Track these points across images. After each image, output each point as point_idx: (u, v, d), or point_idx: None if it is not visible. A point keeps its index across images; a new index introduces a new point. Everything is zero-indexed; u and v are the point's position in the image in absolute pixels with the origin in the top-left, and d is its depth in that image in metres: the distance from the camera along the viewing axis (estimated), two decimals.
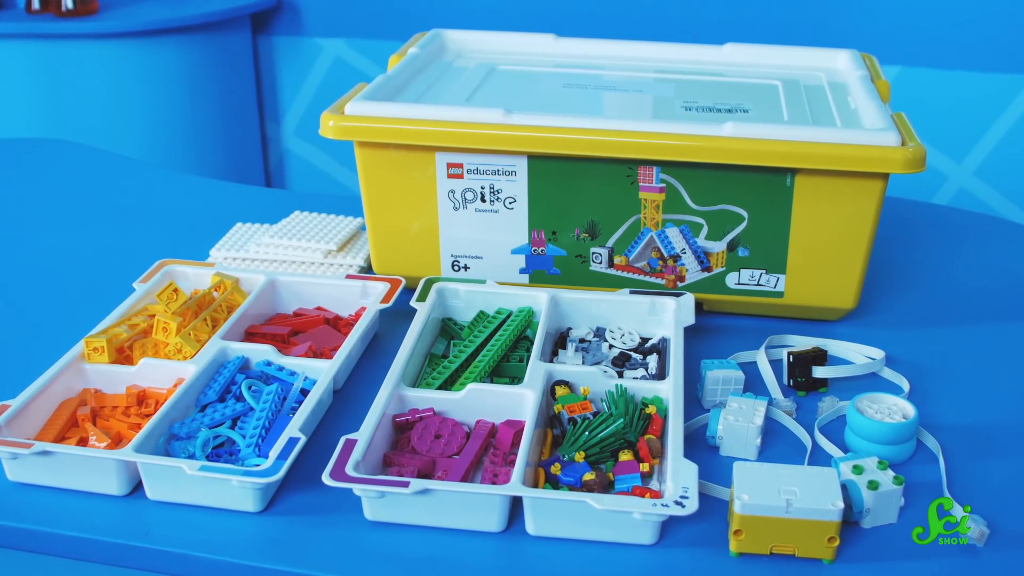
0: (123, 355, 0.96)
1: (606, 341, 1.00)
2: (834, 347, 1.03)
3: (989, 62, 2.37)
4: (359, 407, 0.90)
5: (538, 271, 1.09)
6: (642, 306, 1.02)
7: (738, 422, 0.87)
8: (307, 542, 0.77)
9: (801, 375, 0.96)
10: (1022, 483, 0.84)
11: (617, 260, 1.07)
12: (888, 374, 1.00)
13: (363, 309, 1.05)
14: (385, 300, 1.03)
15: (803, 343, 1.02)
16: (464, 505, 0.77)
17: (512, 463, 0.81)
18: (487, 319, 1.01)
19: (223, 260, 1.18)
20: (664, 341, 1.00)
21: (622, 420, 0.85)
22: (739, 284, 1.07)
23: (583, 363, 0.97)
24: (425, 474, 0.83)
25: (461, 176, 1.05)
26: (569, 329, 1.03)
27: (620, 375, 0.95)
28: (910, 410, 0.87)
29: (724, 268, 1.06)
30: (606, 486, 0.81)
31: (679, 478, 0.76)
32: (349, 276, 1.07)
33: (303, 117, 2.92)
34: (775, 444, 0.89)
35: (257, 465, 0.81)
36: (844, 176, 0.99)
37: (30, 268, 1.22)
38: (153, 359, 0.93)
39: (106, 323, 0.98)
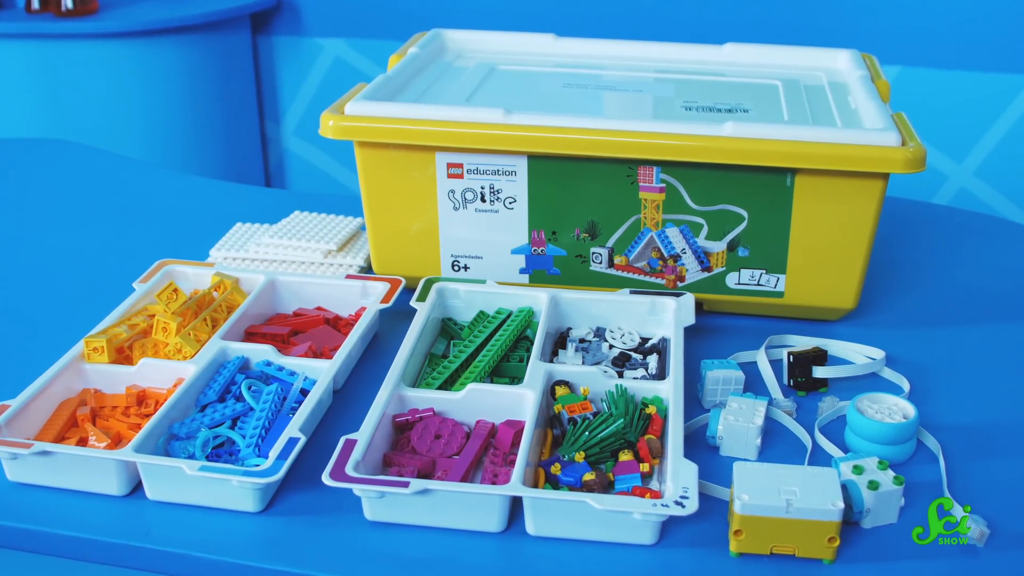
0: (123, 355, 0.96)
1: (606, 341, 1.00)
2: (834, 347, 1.03)
3: (989, 62, 2.37)
4: (359, 407, 0.90)
5: (538, 271, 1.09)
6: (642, 306, 1.02)
7: (738, 422, 0.86)
8: (307, 542, 0.77)
9: (801, 375, 0.96)
10: (1022, 483, 0.84)
11: (617, 260, 1.07)
12: (888, 374, 1.00)
13: (363, 309, 1.05)
14: (385, 300, 1.03)
15: (803, 343, 1.02)
16: (464, 505, 0.77)
17: (512, 463, 0.81)
18: (487, 319, 1.01)
19: (223, 260, 1.18)
20: (664, 341, 1.00)
21: (622, 420, 0.85)
22: (739, 284, 1.07)
23: (583, 363, 0.97)
24: (425, 474, 0.83)
25: (461, 176, 1.05)
26: (569, 329, 1.03)
27: (620, 375, 0.95)
28: (910, 410, 0.87)
29: (724, 268, 1.06)
30: (606, 486, 0.81)
31: (679, 478, 0.76)
32: (349, 276, 1.07)
33: (303, 117, 2.92)
34: (775, 444, 0.89)
35: (257, 465, 0.81)
36: (844, 176, 0.99)
37: (30, 268, 1.22)
38: (153, 359, 0.93)
39: (106, 323, 0.98)
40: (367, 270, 1.17)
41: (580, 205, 1.05)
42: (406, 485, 0.75)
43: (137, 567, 0.78)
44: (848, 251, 1.03)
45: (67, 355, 0.92)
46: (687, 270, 1.07)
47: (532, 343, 0.99)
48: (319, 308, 1.07)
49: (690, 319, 0.99)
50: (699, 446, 0.88)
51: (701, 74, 1.25)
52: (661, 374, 0.95)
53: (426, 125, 1.02)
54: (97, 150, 1.65)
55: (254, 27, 2.84)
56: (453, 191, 1.06)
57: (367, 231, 1.10)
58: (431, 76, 1.21)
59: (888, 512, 0.78)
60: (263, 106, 2.94)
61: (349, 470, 0.77)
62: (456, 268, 1.10)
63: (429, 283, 1.04)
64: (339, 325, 1.05)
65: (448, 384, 0.93)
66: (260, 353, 0.95)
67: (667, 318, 1.01)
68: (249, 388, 0.91)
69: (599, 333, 1.02)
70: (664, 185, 1.02)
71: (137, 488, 0.82)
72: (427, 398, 0.89)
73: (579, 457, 0.83)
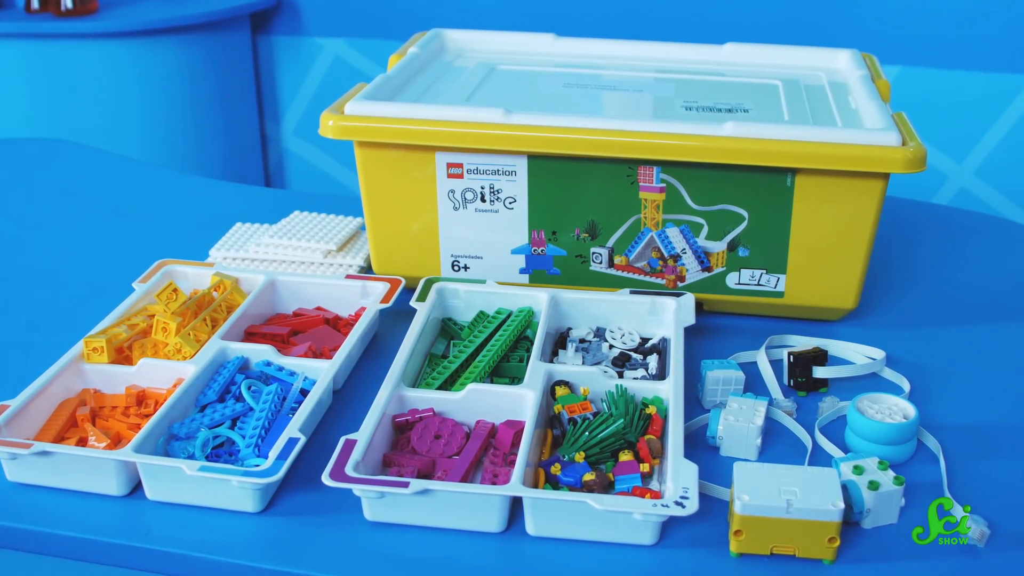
0: (122, 355, 0.96)
1: (606, 341, 1.00)
2: (834, 347, 1.03)
3: (990, 62, 2.37)
4: (359, 407, 0.90)
5: (538, 271, 1.09)
6: (642, 306, 1.02)
7: (738, 422, 0.86)
8: (307, 542, 0.77)
9: (801, 375, 0.96)
10: (1022, 483, 0.84)
11: (617, 260, 1.07)
12: (888, 374, 0.99)
13: (363, 309, 1.05)
14: (385, 300, 1.02)
15: (803, 343, 1.02)
16: (464, 505, 0.77)
17: (512, 463, 0.81)
18: (487, 319, 1.01)
19: (223, 260, 1.18)
20: (664, 341, 1.00)
21: (622, 420, 0.85)
22: (739, 284, 1.07)
23: (583, 363, 0.97)
24: (425, 474, 0.83)
25: (461, 176, 1.05)
26: (569, 329, 1.03)
27: (620, 375, 0.95)
28: (910, 410, 0.87)
29: (724, 268, 1.06)
30: (606, 486, 0.81)
31: (679, 478, 0.76)
32: (349, 276, 1.07)
33: (303, 117, 2.92)
34: (775, 444, 0.89)
35: (257, 465, 0.81)
36: (845, 176, 0.99)
37: (30, 268, 1.22)
38: (153, 359, 0.93)
39: (106, 323, 0.98)
40: (367, 270, 1.17)
41: (580, 205, 1.05)
42: (406, 485, 0.75)
43: (137, 567, 0.78)
44: (848, 251, 1.03)
45: (67, 355, 0.92)
46: (687, 270, 1.07)
47: (532, 343, 0.99)
48: (319, 308, 1.07)
49: (690, 319, 0.98)
50: (699, 446, 0.88)
51: (701, 74, 1.25)
52: (661, 374, 0.95)
53: (426, 125, 1.02)
54: (97, 150, 1.65)
55: (254, 27, 2.84)
56: (453, 191, 1.06)
57: (367, 231, 1.10)
58: (431, 76, 1.21)
59: (888, 512, 0.78)
60: (263, 106, 2.94)
61: (349, 470, 0.76)
62: (456, 268, 1.10)
63: (429, 283, 1.04)
64: (339, 325, 1.04)
65: (448, 384, 0.93)
66: (260, 353, 0.95)
67: (667, 318, 1.01)
68: (249, 388, 0.90)
69: (599, 333, 1.02)
70: (664, 185, 1.02)
71: (137, 488, 0.82)
72: (427, 398, 0.89)
73: (579, 457, 0.83)
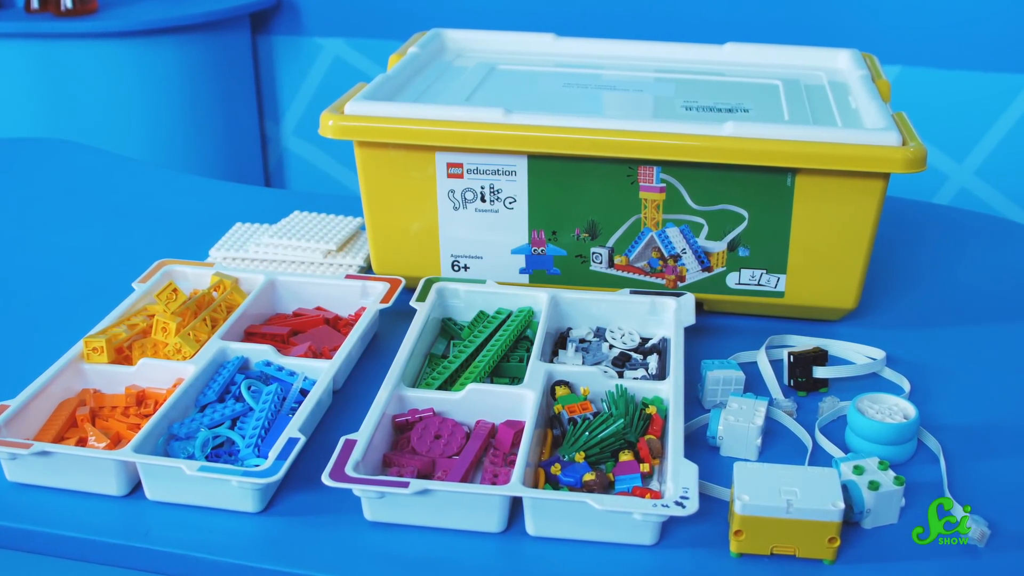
0: (122, 355, 0.96)
1: (606, 341, 1.00)
2: (835, 347, 1.02)
3: (990, 62, 2.37)
4: (359, 407, 0.90)
5: (538, 271, 1.09)
6: (642, 306, 1.02)
7: (738, 422, 0.86)
8: (307, 542, 0.77)
9: (802, 375, 0.96)
10: (1023, 483, 0.84)
11: (617, 260, 1.07)
12: (889, 374, 0.99)
13: (363, 309, 1.05)
14: (385, 300, 1.02)
15: (804, 343, 1.02)
16: (464, 505, 0.77)
17: (512, 463, 0.81)
18: (487, 319, 1.01)
19: (222, 260, 1.18)
20: (664, 341, 1.00)
21: (622, 420, 0.85)
22: (739, 284, 1.07)
23: (583, 363, 0.97)
24: (425, 474, 0.83)
25: (461, 176, 1.05)
26: (569, 329, 1.03)
27: (620, 375, 0.95)
28: (911, 410, 0.87)
29: (724, 268, 1.06)
30: (606, 486, 0.81)
31: (679, 478, 0.75)
32: (349, 276, 1.07)
33: (303, 117, 2.92)
34: (775, 444, 0.89)
35: (257, 465, 0.81)
36: (845, 176, 0.99)
37: (29, 268, 1.22)
38: (152, 359, 0.93)
39: (105, 323, 0.98)
40: (367, 270, 1.17)
41: (580, 205, 1.05)
42: (406, 485, 0.75)
43: (137, 567, 0.78)
44: (849, 251, 1.03)
45: (66, 355, 0.92)
46: (687, 270, 1.07)
47: (532, 343, 0.99)
48: (319, 308, 1.07)
49: (690, 319, 0.98)
50: (699, 446, 0.88)
51: (701, 74, 1.25)
52: (661, 374, 0.95)
53: (426, 125, 1.02)
54: (96, 150, 1.65)
55: (254, 27, 2.84)
56: (453, 191, 1.06)
57: (367, 231, 1.10)
58: (431, 76, 1.21)
59: (888, 512, 0.78)
60: (263, 106, 2.94)
61: (349, 470, 0.76)
62: (456, 268, 1.10)
63: (429, 283, 1.04)
64: (339, 325, 1.04)
65: (448, 384, 0.93)
66: (260, 353, 0.95)
67: (667, 318, 1.01)
68: (249, 388, 0.90)
69: (599, 333, 1.02)
70: (664, 185, 1.02)
71: (136, 488, 0.82)
72: (427, 398, 0.89)
73: (579, 457, 0.83)
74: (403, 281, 1.06)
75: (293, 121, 2.94)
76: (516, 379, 0.95)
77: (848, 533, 0.77)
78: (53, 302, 1.13)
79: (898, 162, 0.95)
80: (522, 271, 1.09)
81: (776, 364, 1.00)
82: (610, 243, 1.06)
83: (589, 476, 0.80)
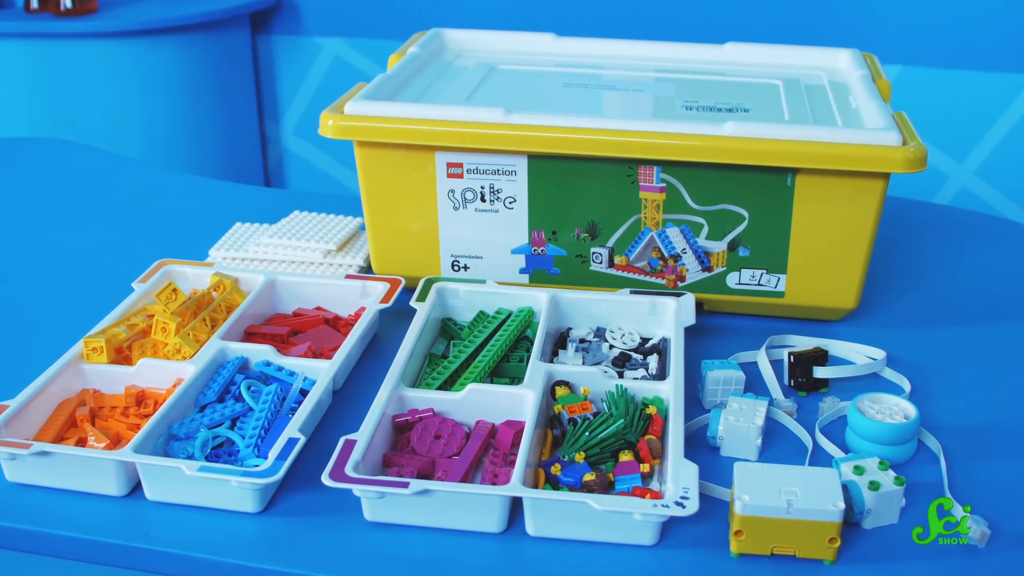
0: (122, 355, 0.96)
1: (606, 341, 1.00)
2: (835, 347, 1.02)
3: (990, 61, 2.37)
4: (359, 407, 0.90)
5: (538, 271, 1.09)
6: (642, 306, 1.02)
7: (739, 422, 0.86)
8: (307, 543, 0.77)
9: (802, 375, 0.96)
10: (1023, 483, 0.84)
11: (617, 260, 1.07)
12: (889, 374, 0.99)
13: (363, 309, 1.05)
14: (385, 300, 1.02)
15: (804, 343, 1.02)
16: (464, 506, 0.77)
17: (512, 463, 0.81)
18: (487, 319, 1.01)
19: (222, 260, 1.18)
20: (664, 341, 1.00)
21: (622, 420, 0.85)
22: (740, 284, 1.07)
23: (583, 363, 0.97)
24: (425, 475, 0.83)
25: (461, 176, 1.05)
26: (569, 329, 1.03)
27: (620, 375, 0.95)
28: (911, 410, 0.87)
29: (725, 268, 1.06)
30: (606, 487, 0.81)
31: (679, 479, 0.75)
32: (349, 276, 1.07)
33: (303, 116, 2.92)
34: (776, 444, 0.89)
35: (256, 466, 0.81)
36: (845, 176, 0.99)
37: (30, 268, 1.22)
38: (152, 359, 0.93)
39: (105, 323, 0.98)
40: (367, 270, 1.17)
41: (580, 205, 1.05)
42: (406, 486, 0.75)
43: (136, 568, 0.78)
44: (849, 251, 1.03)
45: (66, 355, 0.92)
46: (687, 270, 1.07)
47: (532, 343, 0.99)
48: (319, 308, 1.07)
49: (690, 319, 0.98)
50: (699, 446, 0.88)
51: (701, 73, 1.25)
52: (661, 374, 0.95)
53: (426, 125, 1.02)
54: (96, 150, 1.65)
55: (253, 26, 2.84)
56: (453, 191, 1.06)
57: (367, 231, 1.10)
58: (431, 76, 1.21)
59: (889, 512, 0.78)
60: (263, 106, 2.94)
61: (349, 470, 0.76)
62: (456, 268, 1.10)
63: (429, 283, 1.04)
64: (339, 325, 1.04)
65: (448, 384, 0.93)
66: (259, 353, 0.95)
67: (667, 318, 1.01)
68: (248, 388, 0.90)
69: (599, 333, 1.02)
70: (664, 185, 1.02)
71: (136, 488, 0.82)
72: (427, 398, 0.89)
73: (579, 457, 0.83)
74: (403, 281, 1.06)
75: (293, 121, 2.94)
76: (516, 379, 0.95)
77: (848, 533, 0.77)
78: (53, 302, 1.13)
79: (898, 162, 0.95)
80: (522, 271, 1.09)
81: (776, 364, 1.00)
82: (610, 243, 1.06)
83: (589, 476, 0.80)
